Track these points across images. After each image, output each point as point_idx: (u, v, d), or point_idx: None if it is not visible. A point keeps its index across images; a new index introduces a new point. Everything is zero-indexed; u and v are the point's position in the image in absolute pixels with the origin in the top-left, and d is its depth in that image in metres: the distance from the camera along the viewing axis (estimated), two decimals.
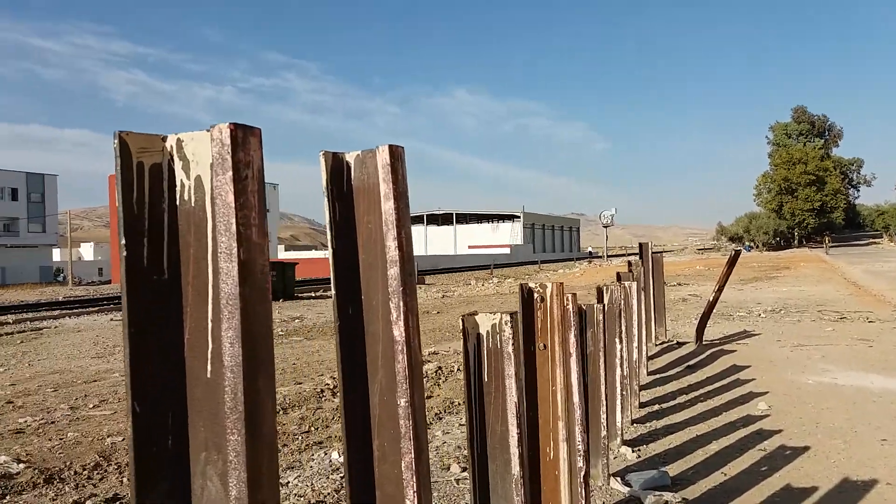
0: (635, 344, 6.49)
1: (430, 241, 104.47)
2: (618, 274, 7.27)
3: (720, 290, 8.53)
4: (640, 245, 9.28)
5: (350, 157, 2.03)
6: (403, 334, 1.92)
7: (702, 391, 7.17)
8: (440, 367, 8.22)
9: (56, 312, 19.02)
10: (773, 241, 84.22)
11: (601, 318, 4.38)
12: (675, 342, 9.98)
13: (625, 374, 5.35)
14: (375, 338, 1.99)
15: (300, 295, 24.24)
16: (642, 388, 7.31)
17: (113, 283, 57.39)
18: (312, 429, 5.93)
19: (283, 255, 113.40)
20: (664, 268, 11.78)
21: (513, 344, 2.51)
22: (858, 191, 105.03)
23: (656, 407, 6.56)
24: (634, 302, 6.55)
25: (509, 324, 2.49)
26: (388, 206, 1.94)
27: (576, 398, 3.40)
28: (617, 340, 5.17)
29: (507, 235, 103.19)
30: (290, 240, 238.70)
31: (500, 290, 28.46)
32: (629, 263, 8.37)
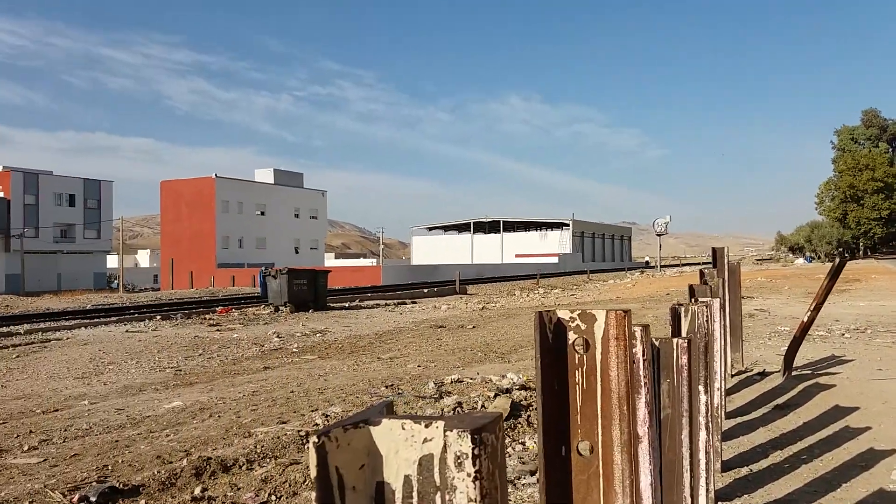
0: (717, 385, 4.79)
1: (476, 250, 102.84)
2: (691, 287, 5.58)
3: (818, 307, 6.74)
4: (714, 251, 7.54)
5: None
6: None
7: (802, 445, 5.41)
8: (459, 404, 6.62)
9: (73, 322, 18.11)
10: (836, 252, 79.81)
11: (684, 360, 2.76)
12: (755, 372, 8.17)
13: (710, 436, 3.68)
14: None
15: (332, 305, 22.95)
16: (721, 439, 5.58)
17: (162, 290, 57.49)
18: (273, 498, 4.42)
19: (332, 262, 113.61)
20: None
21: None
22: None
23: (744, 471, 4.84)
24: (717, 326, 4.86)
25: (468, 455, 0.89)
26: None
27: None
28: (702, 389, 3.52)
29: (556, 244, 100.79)
30: (341, 248, 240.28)
31: (546, 302, 26.72)
32: (701, 273, 6.66)
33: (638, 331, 2.04)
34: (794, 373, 7.95)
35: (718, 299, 4.83)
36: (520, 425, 6.19)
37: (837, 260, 6.47)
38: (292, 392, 7.93)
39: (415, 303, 26.73)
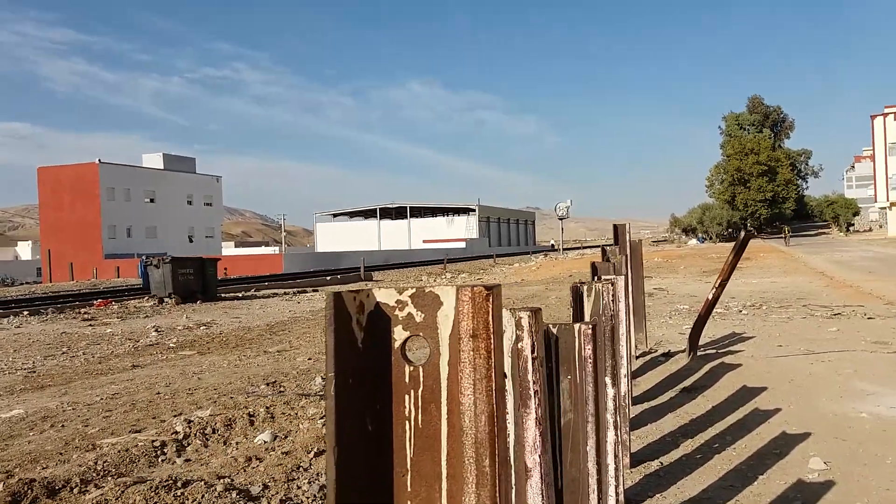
0: (625, 371, 4.28)
1: (383, 236, 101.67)
2: (594, 265, 5.07)
3: (723, 284, 6.42)
4: (616, 227, 7.11)
5: None
6: None
7: (713, 432, 5.02)
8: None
9: None
10: (726, 233, 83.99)
11: (588, 350, 2.15)
12: (659, 353, 7.85)
13: (619, 433, 3.12)
14: None
15: (224, 295, 21.56)
16: (629, 427, 5.12)
17: (44, 283, 53.28)
18: None
19: (231, 251, 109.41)
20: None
21: None
22: (807, 182, 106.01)
23: (654, 465, 4.37)
24: (622, 307, 4.35)
25: None
26: None
27: None
28: (609, 381, 2.94)
29: (463, 229, 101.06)
30: (242, 236, 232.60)
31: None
32: (603, 250, 6.21)
33: (525, 318, 1.38)
34: (699, 352, 7.69)
35: (623, 276, 4.31)
36: None
37: (742, 234, 6.15)
38: (158, 394, 6.95)
39: (316, 291, 25.65)
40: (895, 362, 7.15)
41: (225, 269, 42.57)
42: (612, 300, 3.84)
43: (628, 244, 7.12)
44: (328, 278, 31.23)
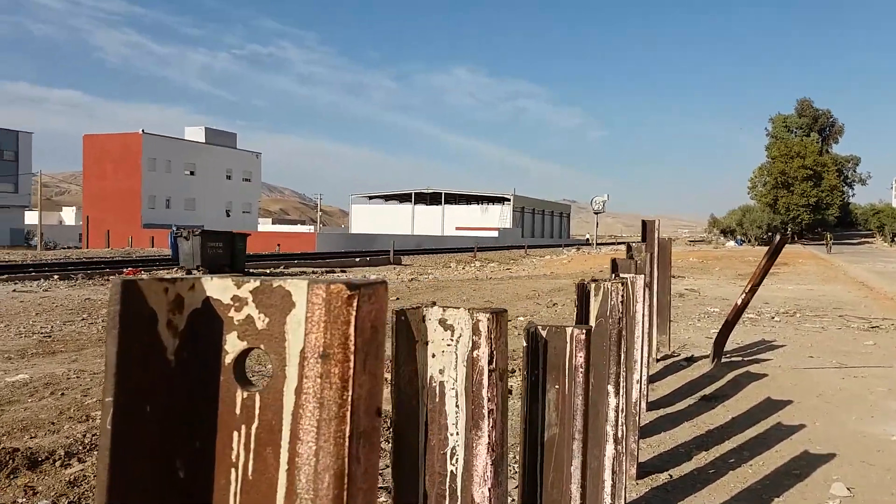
0: (637, 376, 4.02)
1: (417, 221, 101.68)
2: (613, 262, 4.80)
3: (754, 289, 6.07)
4: (644, 224, 6.80)
5: None
6: None
7: (730, 445, 4.73)
8: None
9: None
10: (766, 236, 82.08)
11: (580, 357, 1.91)
12: (682, 357, 7.53)
13: (623, 445, 2.87)
14: None
15: (252, 271, 21.63)
16: (641, 434, 4.86)
17: (83, 249, 54.48)
18: None
19: (267, 227, 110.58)
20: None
21: None
22: (853, 189, 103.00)
23: (663, 478, 4.11)
24: (640, 308, 4.08)
25: None
26: None
27: None
28: (611, 389, 2.70)
29: (497, 218, 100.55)
30: (280, 213, 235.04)
31: (479, 275, 26.05)
32: (628, 247, 5.92)
33: (484, 321, 1.15)
34: (724, 359, 7.36)
35: (643, 276, 4.04)
36: None
37: (777, 237, 5.80)
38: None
39: (344, 272, 25.70)
40: None
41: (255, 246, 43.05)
42: (623, 301, 3.58)
43: (656, 241, 6.80)
44: (357, 259, 31.25)
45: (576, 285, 2.70)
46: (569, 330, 1.87)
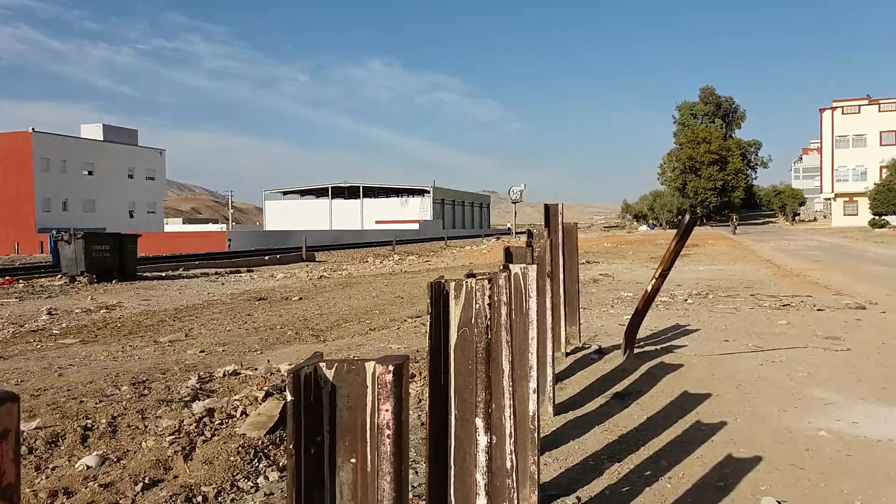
0: (532, 385, 3.34)
1: (335, 216, 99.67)
2: (507, 250, 4.14)
3: (664, 274, 5.55)
4: (547, 208, 6.19)
5: None
6: None
7: (645, 453, 4.15)
8: (210, 412, 4.82)
9: None
10: (676, 220, 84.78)
11: (386, 412, 1.17)
12: (592, 350, 6.98)
13: (498, 494, 2.16)
14: None
15: (146, 275, 20.08)
16: (545, 444, 4.22)
17: None
18: None
19: (178, 227, 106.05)
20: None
21: None
22: (756, 172, 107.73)
23: (570, 502, 3.47)
24: (533, 303, 3.41)
25: None
26: None
27: None
28: (480, 424, 1.98)
29: (417, 211, 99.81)
30: (192, 212, 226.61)
31: (397, 269, 25.27)
32: (529, 234, 5.28)
33: None
34: (637, 348, 6.87)
35: (536, 266, 3.36)
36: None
37: (687, 217, 5.29)
38: None
39: (251, 271, 24.36)
40: (850, 363, 6.44)
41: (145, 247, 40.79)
42: (517, 294, 2.87)
43: (560, 227, 6.21)
44: (266, 258, 29.87)
45: (428, 286, 1.97)
46: (370, 367, 1.12)
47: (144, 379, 6.13)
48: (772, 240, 40.02)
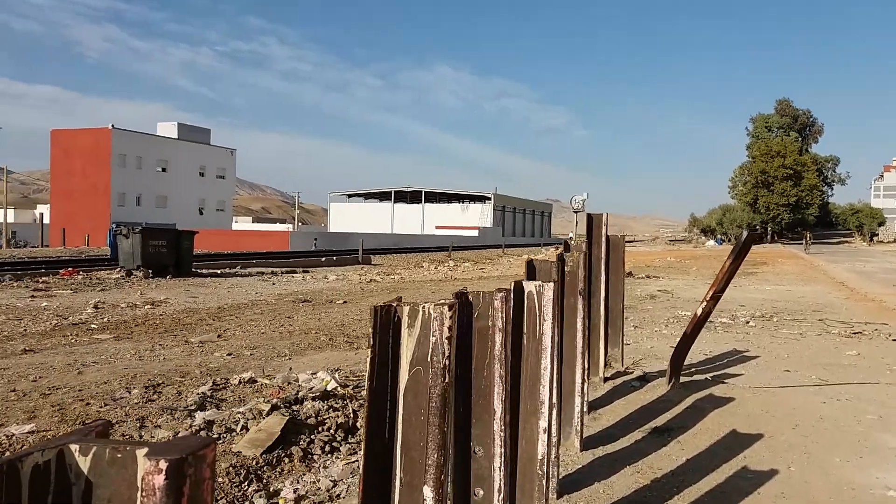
0: (542, 423, 2.89)
1: (396, 219, 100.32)
2: (529, 264, 3.72)
3: (716, 296, 4.98)
4: (590, 219, 5.69)
5: None
6: None
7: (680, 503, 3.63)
8: (210, 424, 4.54)
9: None
10: (746, 226, 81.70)
11: None
12: (634, 374, 6.42)
13: None
14: None
15: (201, 271, 20.32)
16: (565, 485, 3.75)
17: (39, 248, 52.65)
18: None
19: (246, 226, 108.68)
20: (628, 257, 8.25)
21: None
22: (832, 189, 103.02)
23: None
24: (548, 327, 2.96)
25: None
26: None
27: None
28: (427, 492, 1.57)
29: (477, 217, 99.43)
30: (261, 212, 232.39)
31: (449, 276, 24.93)
32: (566, 246, 4.83)
33: None
34: (685, 375, 6.28)
35: (553, 284, 2.91)
36: (286, 460, 4.18)
37: (744, 235, 4.72)
38: (13, 391, 5.67)
39: (306, 272, 24.44)
40: None
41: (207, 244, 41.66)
42: (492, 328, 2.42)
43: (603, 240, 5.71)
44: (323, 259, 30.01)
45: (371, 311, 1.57)
46: (140, 459, 0.73)
47: (160, 382, 5.92)
48: (846, 260, 37.93)
